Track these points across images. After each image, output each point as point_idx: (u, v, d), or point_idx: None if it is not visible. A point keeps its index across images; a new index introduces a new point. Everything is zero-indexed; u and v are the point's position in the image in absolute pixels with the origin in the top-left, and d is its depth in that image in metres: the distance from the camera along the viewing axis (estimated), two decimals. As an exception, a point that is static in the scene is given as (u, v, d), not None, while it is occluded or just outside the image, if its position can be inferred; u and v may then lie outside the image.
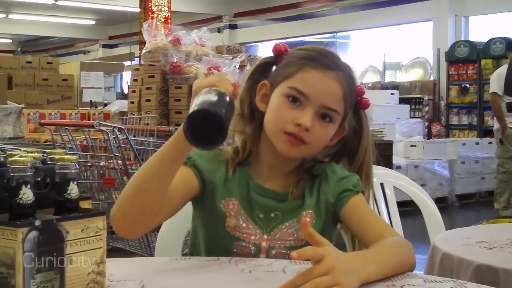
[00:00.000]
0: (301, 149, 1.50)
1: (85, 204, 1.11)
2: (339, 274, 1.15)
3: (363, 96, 1.63)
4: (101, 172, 4.92)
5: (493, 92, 7.26)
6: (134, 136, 4.94)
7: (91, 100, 10.14)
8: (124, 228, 1.37)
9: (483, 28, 12.26)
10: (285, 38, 15.01)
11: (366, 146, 1.64)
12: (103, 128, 4.56)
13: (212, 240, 1.55)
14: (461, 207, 8.65)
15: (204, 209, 1.57)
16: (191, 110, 1.16)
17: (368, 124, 1.66)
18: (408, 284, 1.22)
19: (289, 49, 1.60)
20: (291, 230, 1.53)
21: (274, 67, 1.61)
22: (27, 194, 0.97)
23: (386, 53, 13.68)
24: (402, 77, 13.35)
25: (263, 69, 1.61)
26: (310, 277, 1.14)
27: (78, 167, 0.99)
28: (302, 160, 1.58)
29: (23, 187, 0.97)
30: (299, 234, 1.53)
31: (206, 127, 1.14)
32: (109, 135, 4.52)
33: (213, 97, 1.19)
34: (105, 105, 9.98)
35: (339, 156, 1.66)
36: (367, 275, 1.21)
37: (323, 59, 1.52)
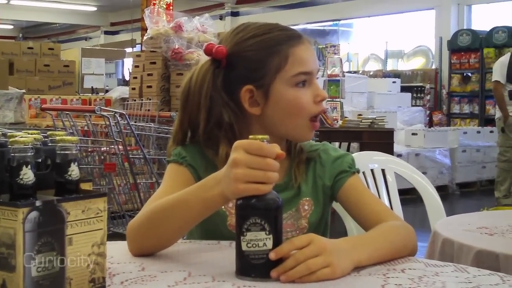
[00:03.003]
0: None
1: (86, 186, 1.11)
2: (330, 255, 1.13)
3: None
4: (102, 157, 4.93)
5: (496, 81, 7.24)
6: (135, 122, 4.93)
7: (92, 87, 10.12)
8: (139, 253, 1.31)
9: (485, 17, 12.23)
10: (287, 26, 14.94)
11: None
12: (104, 113, 4.55)
13: (211, 240, 1.49)
14: (461, 195, 8.65)
15: None
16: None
17: None
18: (409, 268, 1.22)
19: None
20: (291, 220, 1.51)
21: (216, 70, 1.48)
22: (27, 175, 0.97)
23: (388, 41, 13.66)
24: (404, 66, 13.35)
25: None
26: (301, 258, 1.11)
27: (79, 148, 0.97)
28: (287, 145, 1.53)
29: (24, 167, 0.97)
30: (299, 223, 1.52)
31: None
32: (110, 120, 4.52)
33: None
34: (106, 91, 9.96)
35: None
36: (358, 258, 1.19)
37: (292, 32, 1.51)
